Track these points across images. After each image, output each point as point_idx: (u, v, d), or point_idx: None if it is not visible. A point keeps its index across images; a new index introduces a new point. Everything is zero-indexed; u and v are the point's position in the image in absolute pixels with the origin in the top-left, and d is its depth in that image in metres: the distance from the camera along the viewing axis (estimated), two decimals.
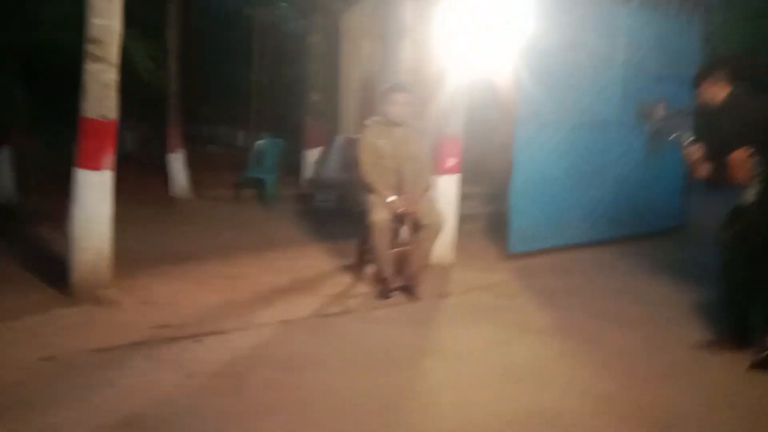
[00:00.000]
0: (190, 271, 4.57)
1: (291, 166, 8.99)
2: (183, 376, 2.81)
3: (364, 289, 4.36)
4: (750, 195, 3.05)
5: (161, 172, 8.47)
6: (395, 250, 4.23)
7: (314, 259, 5.14)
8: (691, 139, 3.16)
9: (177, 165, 8.05)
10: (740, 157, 2.92)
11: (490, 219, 6.58)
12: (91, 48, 3.65)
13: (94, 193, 3.73)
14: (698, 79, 3.18)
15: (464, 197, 5.30)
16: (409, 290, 4.18)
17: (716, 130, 3.07)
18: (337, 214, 7.14)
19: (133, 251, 4.85)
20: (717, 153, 3.04)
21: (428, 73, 6.14)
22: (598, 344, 3.44)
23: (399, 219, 4.18)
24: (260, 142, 8.34)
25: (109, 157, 3.78)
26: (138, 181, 8.41)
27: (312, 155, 8.52)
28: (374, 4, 7.92)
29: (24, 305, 3.59)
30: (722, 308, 3.46)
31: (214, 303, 3.92)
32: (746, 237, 3.10)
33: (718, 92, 3.09)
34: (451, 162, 5.06)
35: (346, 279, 4.58)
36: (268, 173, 7.72)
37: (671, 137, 3.23)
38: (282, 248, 5.52)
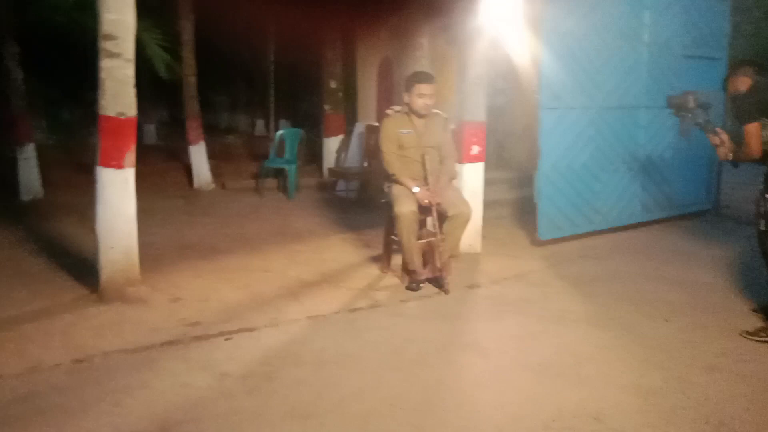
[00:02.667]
0: (217, 265, 4.56)
1: (311, 155, 8.96)
2: (216, 376, 2.78)
3: (391, 281, 4.29)
4: None
5: (182, 162, 8.48)
6: (422, 241, 4.15)
7: (339, 251, 5.09)
8: (715, 126, 3.47)
9: (198, 156, 8.04)
10: (754, 129, 3.23)
11: (516, 204, 6.48)
12: (105, 44, 3.58)
13: (117, 192, 3.70)
14: (728, 74, 3.61)
15: (489, 183, 5.19)
16: (438, 282, 4.11)
17: (738, 112, 3.37)
18: (359, 203, 7.08)
19: (159, 246, 4.87)
20: (737, 132, 3.33)
21: (447, 58, 6.02)
22: (638, 335, 3.33)
23: (425, 210, 4.10)
24: (280, 132, 8.29)
25: (130, 155, 3.73)
26: (160, 172, 8.47)
27: (331, 144, 8.45)
28: None
29: (55, 306, 3.61)
30: None
31: (242, 298, 3.89)
32: None
33: (742, 83, 3.43)
34: (475, 150, 4.94)
35: (372, 271, 4.52)
36: (288, 163, 7.67)
37: (698, 125, 3.51)
38: (306, 239, 5.48)
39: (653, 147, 5.96)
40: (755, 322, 3.45)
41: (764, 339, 3.22)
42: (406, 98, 4.10)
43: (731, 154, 3.38)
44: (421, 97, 4.02)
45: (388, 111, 4.25)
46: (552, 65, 5.06)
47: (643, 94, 5.79)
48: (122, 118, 3.65)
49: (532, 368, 2.92)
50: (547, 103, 5.10)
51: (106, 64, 3.59)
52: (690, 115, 3.56)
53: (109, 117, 3.62)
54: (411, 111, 4.10)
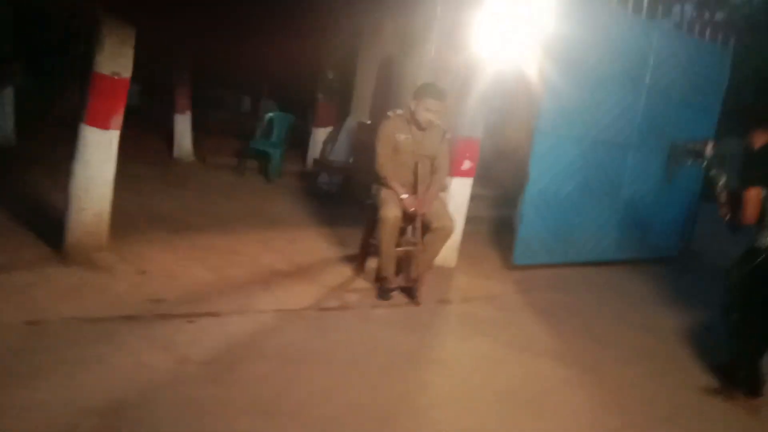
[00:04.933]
0: (188, 242, 4.43)
1: (297, 141, 8.83)
2: (175, 360, 2.69)
3: (363, 284, 4.24)
4: (765, 237, 3.14)
5: (163, 130, 8.26)
6: (401, 249, 4.11)
7: (314, 244, 5.02)
8: (724, 180, 3.30)
9: (182, 126, 7.84)
10: (754, 195, 3.07)
11: (494, 223, 6.49)
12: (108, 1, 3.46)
13: (99, 153, 3.57)
14: (752, 126, 3.34)
15: (471, 198, 5.18)
16: (409, 292, 4.08)
17: (743, 172, 3.22)
18: (339, 198, 7.01)
19: (131, 214, 4.70)
20: (739, 193, 3.18)
21: (451, 67, 5.98)
22: (601, 375, 3.36)
23: (409, 218, 4.06)
24: (270, 115, 8.14)
25: (117, 117, 3.61)
26: (140, 138, 8.20)
27: (320, 134, 8.34)
28: None
29: (15, 261, 3.44)
30: (730, 353, 3.40)
31: (211, 280, 3.79)
32: (754, 278, 3.18)
33: (759, 139, 3.25)
34: (466, 165, 4.93)
35: (345, 270, 4.46)
36: (274, 147, 7.54)
37: (711, 176, 3.37)
38: (282, 227, 5.40)
39: (636, 188, 6.04)
40: (712, 379, 3.49)
41: (719, 398, 3.26)
42: (412, 105, 4.03)
43: (731, 214, 3.21)
44: (428, 111, 3.97)
45: (389, 113, 4.18)
46: (555, 92, 5.06)
47: (635, 134, 5.86)
48: (116, 77, 3.52)
49: (495, 394, 2.92)
50: (543, 129, 5.12)
51: (108, 21, 3.45)
52: (705, 163, 3.44)
53: (103, 75, 3.48)
54: (412, 119, 4.05)
